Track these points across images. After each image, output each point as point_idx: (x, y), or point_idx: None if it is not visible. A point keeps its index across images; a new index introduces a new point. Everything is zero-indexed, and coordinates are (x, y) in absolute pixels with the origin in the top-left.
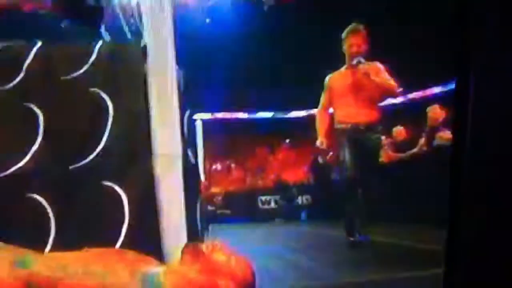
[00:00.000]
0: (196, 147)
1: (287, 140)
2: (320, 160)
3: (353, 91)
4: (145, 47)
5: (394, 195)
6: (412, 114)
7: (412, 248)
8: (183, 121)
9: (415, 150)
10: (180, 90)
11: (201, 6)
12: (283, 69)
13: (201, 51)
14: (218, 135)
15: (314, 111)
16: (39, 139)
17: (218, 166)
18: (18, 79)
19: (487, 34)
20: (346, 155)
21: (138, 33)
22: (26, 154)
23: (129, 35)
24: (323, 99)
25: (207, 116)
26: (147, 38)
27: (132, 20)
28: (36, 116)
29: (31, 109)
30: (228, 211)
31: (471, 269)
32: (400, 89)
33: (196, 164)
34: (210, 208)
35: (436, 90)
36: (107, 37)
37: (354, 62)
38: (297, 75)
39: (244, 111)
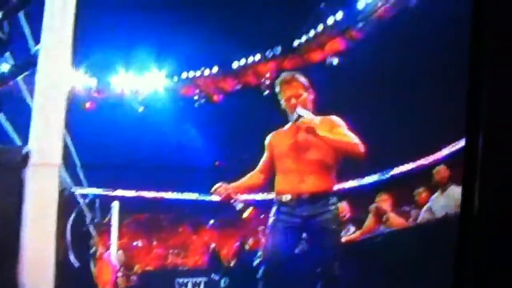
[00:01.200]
0: (89, 244)
1: (211, 221)
2: (246, 246)
3: (295, 153)
4: (27, 153)
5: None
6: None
7: None
8: (66, 229)
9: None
10: (63, 197)
11: (135, 96)
12: (209, 156)
13: (133, 134)
14: (142, 213)
15: None
16: None
17: (139, 243)
18: None
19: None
20: (274, 245)
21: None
22: None
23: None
24: (260, 162)
25: (131, 193)
26: (34, 137)
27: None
28: None
29: None
30: None
31: None
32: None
33: (82, 266)
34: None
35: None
36: (8, 126)
37: (294, 117)
38: (224, 161)
39: (171, 191)
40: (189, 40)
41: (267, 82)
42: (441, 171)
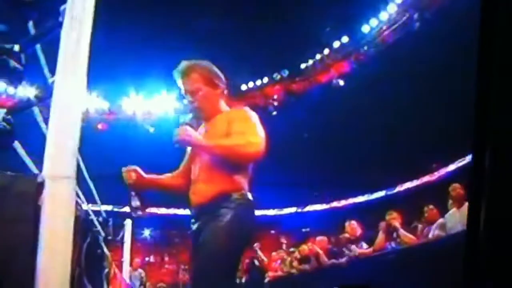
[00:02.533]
0: (103, 264)
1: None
2: (256, 261)
3: (195, 160)
4: (42, 182)
5: None
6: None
7: None
8: (81, 251)
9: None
10: (79, 221)
11: (147, 117)
12: None
13: (144, 154)
14: (154, 229)
15: None
16: None
17: (150, 259)
18: None
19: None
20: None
21: None
22: None
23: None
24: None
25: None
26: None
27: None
28: None
29: None
30: None
31: None
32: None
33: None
34: None
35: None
36: (21, 152)
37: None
38: None
39: (182, 208)
40: None
41: (275, 103)
42: (457, 188)
